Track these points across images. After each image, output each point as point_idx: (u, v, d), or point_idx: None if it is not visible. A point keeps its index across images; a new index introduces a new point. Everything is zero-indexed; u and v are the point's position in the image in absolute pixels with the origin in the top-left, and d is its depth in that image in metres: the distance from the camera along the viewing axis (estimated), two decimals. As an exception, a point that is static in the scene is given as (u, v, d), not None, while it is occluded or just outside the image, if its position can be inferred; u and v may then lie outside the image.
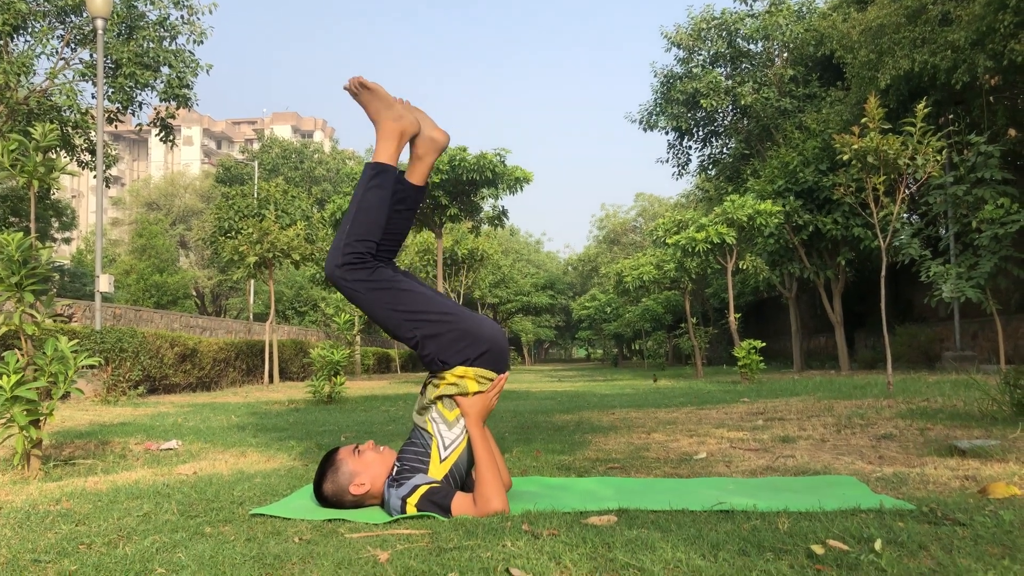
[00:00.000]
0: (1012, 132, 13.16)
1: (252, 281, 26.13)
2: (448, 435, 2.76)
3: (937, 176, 8.28)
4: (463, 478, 2.80)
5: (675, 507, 2.50)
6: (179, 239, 52.03)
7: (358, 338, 18.21)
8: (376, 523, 2.53)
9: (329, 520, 2.57)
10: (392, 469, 2.77)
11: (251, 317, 30.52)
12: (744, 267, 16.51)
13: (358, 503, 2.78)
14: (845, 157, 8.19)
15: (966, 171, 12.66)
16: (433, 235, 19.37)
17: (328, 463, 2.81)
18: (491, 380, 2.83)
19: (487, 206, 17.58)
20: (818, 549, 1.89)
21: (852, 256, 17.19)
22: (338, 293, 9.84)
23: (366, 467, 2.79)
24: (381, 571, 1.88)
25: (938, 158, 7.95)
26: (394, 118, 2.93)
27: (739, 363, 12.79)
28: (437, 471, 2.72)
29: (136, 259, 39.68)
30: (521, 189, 16.10)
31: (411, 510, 2.57)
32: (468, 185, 16.12)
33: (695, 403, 8.15)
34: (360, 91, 2.98)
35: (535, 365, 49.83)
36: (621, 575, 1.78)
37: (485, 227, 18.31)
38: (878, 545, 1.92)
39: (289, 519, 2.57)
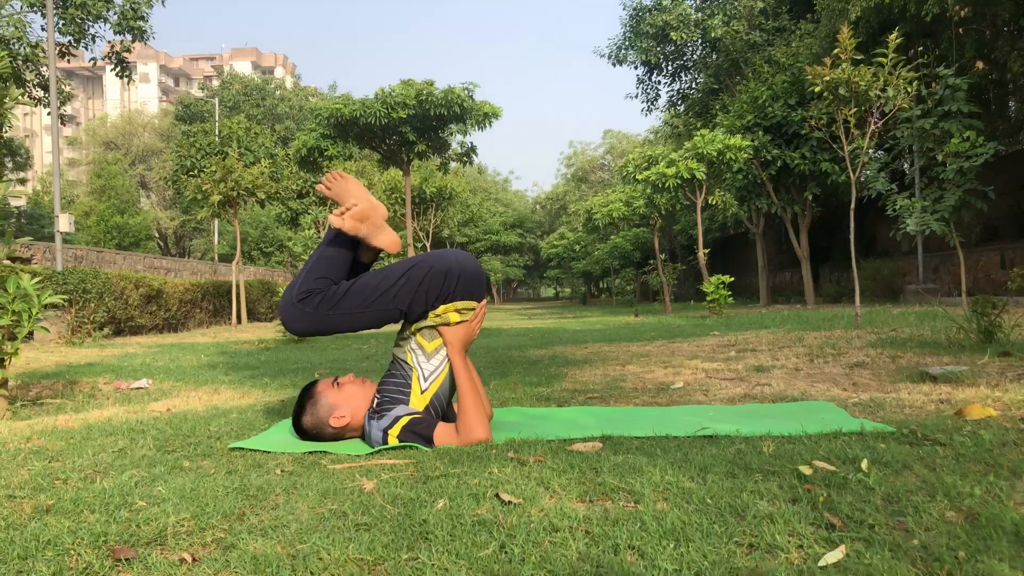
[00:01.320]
0: (980, 64, 13.18)
1: (216, 221, 25.67)
2: (427, 366, 2.72)
3: (907, 108, 8.26)
4: (444, 408, 2.78)
5: (659, 433, 2.50)
6: (139, 179, 50.83)
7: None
8: (358, 455, 2.50)
9: (310, 452, 2.53)
10: (372, 401, 2.74)
11: (216, 258, 30.10)
12: (713, 203, 16.53)
13: (338, 436, 2.75)
14: (816, 89, 8.14)
15: (933, 104, 12.69)
16: (400, 173, 19.09)
17: (307, 396, 2.77)
18: (472, 310, 2.79)
19: (455, 143, 17.34)
20: (806, 470, 1.90)
21: (819, 191, 17.29)
22: (307, 231, 9.68)
23: (346, 400, 2.75)
24: (368, 500, 1.86)
25: (909, 89, 7.94)
26: (361, 203, 2.83)
27: (708, 298, 12.89)
28: (418, 402, 2.70)
29: (95, 200, 38.77)
30: (490, 125, 15.84)
31: (393, 441, 2.55)
32: (436, 121, 15.83)
33: (666, 337, 8.22)
34: (335, 182, 2.93)
35: (504, 304, 49.98)
36: (611, 498, 1.77)
37: (454, 165, 18.07)
38: (864, 464, 1.93)
39: (269, 452, 2.54)
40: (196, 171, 16.33)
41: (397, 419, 2.58)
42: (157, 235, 43.54)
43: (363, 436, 2.76)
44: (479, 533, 1.54)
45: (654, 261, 18.66)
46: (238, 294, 16.62)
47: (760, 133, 16.74)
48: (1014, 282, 5.12)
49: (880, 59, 7.92)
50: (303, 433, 2.75)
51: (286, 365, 6.19)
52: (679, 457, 2.12)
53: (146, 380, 4.99)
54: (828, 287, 20.37)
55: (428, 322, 2.73)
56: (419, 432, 2.55)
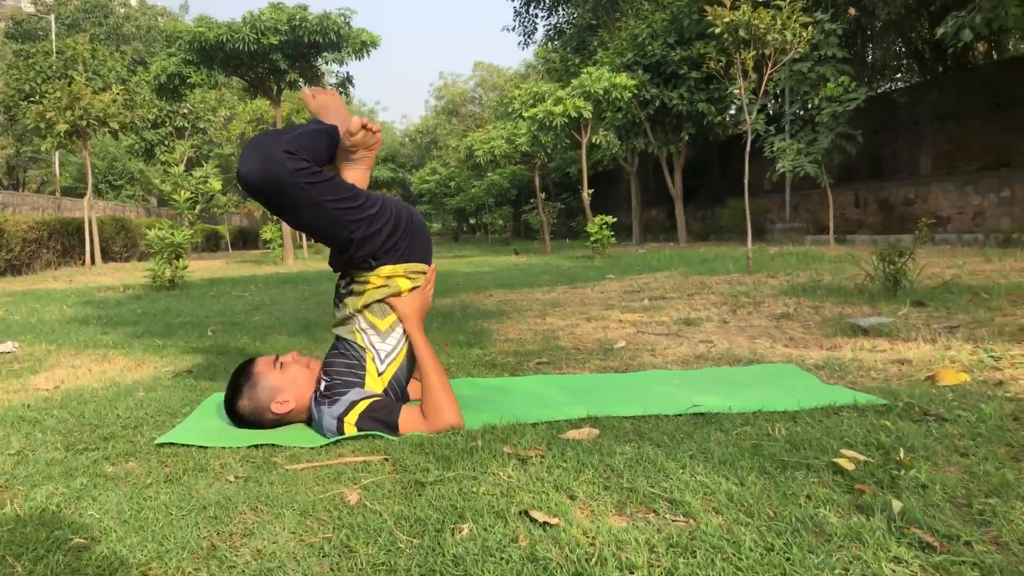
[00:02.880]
0: (852, 10, 13.58)
1: (58, 152, 23.45)
2: (383, 346, 2.40)
3: (804, 51, 8.33)
4: (403, 390, 2.48)
5: (648, 412, 2.30)
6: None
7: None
8: (311, 446, 2.17)
9: (256, 447, 2.18)
10: (319, 384, 2.40)
11: (58, 192, 27.66)
12: (597, 142, 16.50)
13: (279, 422, 2.41)
14: (717, 30, 8.06)
15: (809, 49, 13.01)
16: (268, 103, 17.93)
17: (244, 377, 2.39)
18: (422, 273, 2.48)
19: (329, 73, 16.37)
20: (844, 463, 1.75)
21: (694, 131, 17.58)
22: (173, 168, 8.86)
23: (290, 382, 2.39)
24: (365, 522, 1.56)
25: (804, 34, 7.99)
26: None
27: (592, 238, 12.91)
28: (375, 384, 2.38)
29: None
30: (368, 54, 15.02)
31: (350, 430, 2.23)
32: (309, 48, 14.84)
33: (565, 281, 8.11)
34: (317, 97, 2.61)
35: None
36: (654, 510, 1.56)
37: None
38: (902, 455, 1.79)
39: (206, 447, 2.17)
40: (36, 97, 14.68)
41: (353, 404, 2.26)
42: (-14, 165, 39.51)
43: (308, 422, 2.43)
44: None
45: (534, 200, 18.54)
46: (91, 232, 15.28)
47: (640, 71, 16.75)
48: (921, 231, 5.24)
49: (778, 2, 7.91)
50: (239, 419, 2.38)
51: (170, 319, 5.63)
52: (694, 448, 1.93)
53: (11, 343, 4.37)
54: (695, 225, 20.95)
55: (375, 294, 2.39)
56: (380, 419, 2.24)
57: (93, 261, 15.35)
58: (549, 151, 15.80)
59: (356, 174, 2.50)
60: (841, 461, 1.76)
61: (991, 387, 2.53)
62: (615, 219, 13.21)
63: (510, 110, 15.05)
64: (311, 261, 16.98)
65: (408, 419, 2.25)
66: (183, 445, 2.19)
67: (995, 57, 16.17)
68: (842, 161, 13.96)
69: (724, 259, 10.07)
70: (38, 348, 4.25)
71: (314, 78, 15.07)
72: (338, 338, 2.46)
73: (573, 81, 13.61)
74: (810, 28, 7.99)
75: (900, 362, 3.05)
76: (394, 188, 43.38)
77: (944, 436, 1.98)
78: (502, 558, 1.34)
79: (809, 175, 13.40)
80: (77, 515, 1.65)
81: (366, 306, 2.40)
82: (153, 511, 1.66)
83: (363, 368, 2.37)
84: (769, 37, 7.87)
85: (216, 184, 8.36)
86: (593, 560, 1.32)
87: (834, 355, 3.27)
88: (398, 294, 2.41)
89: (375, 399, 2.29)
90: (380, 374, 2.38)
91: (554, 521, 1.48)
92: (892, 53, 14.54)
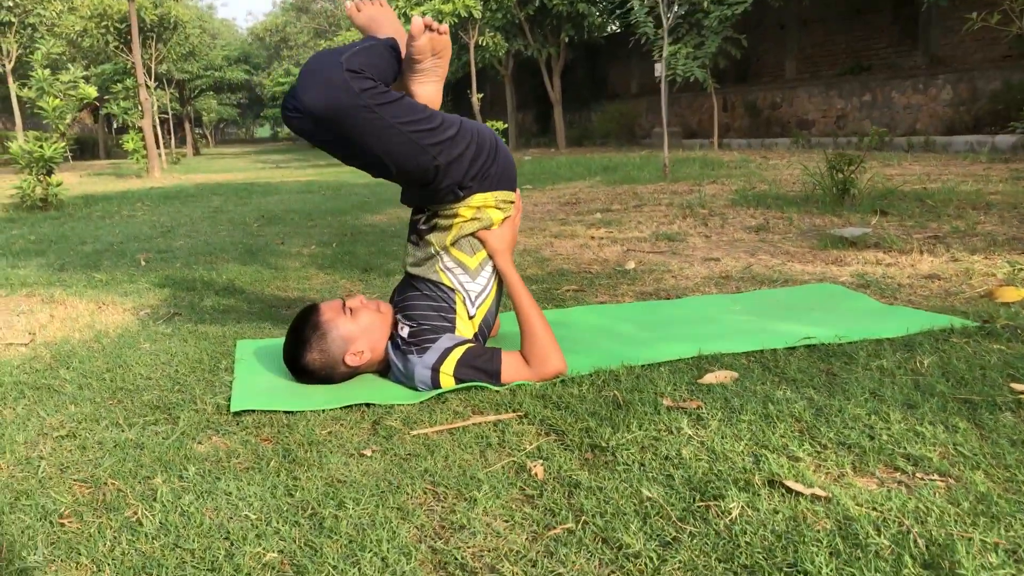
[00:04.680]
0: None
1: None
2: (473, 286, 2.13)
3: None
4: (487, 335, 2.23)
5: (763, 347, 2.17)
6: None
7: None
8: (410, 403, 1.91)
9: (346, 407, 1.90)
10: (398, 328, 2.11)
11: None
12: (483, 43, 15.91)
13: (350, 375, 2.12)
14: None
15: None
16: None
17: (310, 327, 2.06)
18: (511, 202, 2.20)
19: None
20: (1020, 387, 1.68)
21: (574, 33, 17.30)
22: (41, 73, 7.78)
23: (364, 331, 2.09)
24: (595, 501, 1.34)
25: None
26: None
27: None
28: (466, 329, 2.12)
29: None
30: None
31: (447, 382, 1.98)
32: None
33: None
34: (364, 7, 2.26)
35: (221, 148, 46.17)
36: (895, 466, 1.43)
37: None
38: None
39: (292, 413, 1.86)
40: None
41: (448, 351, 2.00)
42: None
43: (383, 372, 2.16)
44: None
45: (411, 104, 17.80)
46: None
47: (519, -32, 16.17)
48: (872, 139, 5.33)
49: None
50: (307, 375, 2.07)
51: (77, 246, 4.98)
52: (861, 390, 1.81)
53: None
54: (569, 131, 20.91)
55: (466, 227, 2.11)
56: (480, 367, 2.00)
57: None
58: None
59: (428, 90, 2.15)
60: (1016, 385, 1.70)
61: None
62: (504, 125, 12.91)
63: (392, 7, 14.19)
64: (177, 172, 15.73)
65: (510, 366, 2.02)
66: (266, 411, 1.87)
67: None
68: (725, 65, 14.15)
69: (628, 166, 10.06)
70: (-54, 290, 3.63)
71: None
72: (416, 278, 2.16)
73: (462, -22, 12.94)
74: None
75: (928, 277, 3.06)
76: (238, 91, 40.66)
77: (1078, 361, 1.96)
78: (815, 540, 1.17)
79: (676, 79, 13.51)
80: (238, 524, 1.34)
81: (454, 242, 2.11)
82: (321, 505, 1.37)
83: (453, 311, 2.10)
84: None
85: (91, 90, 7.37)
86: (911, 538, 1.17)
87: (849, 270, 3.26)
88: (490, 227, 2.13)
89: (470, 345, 2.03)
90: (471, 317, 2.12)
91: (823, 494, 1.33)
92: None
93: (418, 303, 2.12)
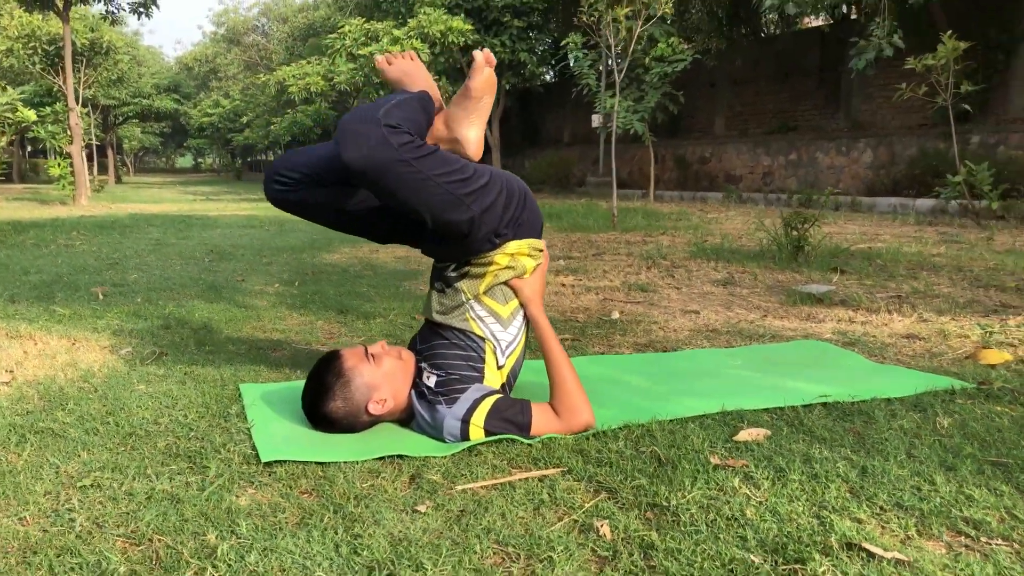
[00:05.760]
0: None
1: None
2: (504, 336, 2.11)
3: (669, 12, 8.48)
4: (513, 384, 2.20)
5: (785, 404, 2.21)
6: None
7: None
8: (442, 455, 1.86)
9: (381, 458, 1.84)
10: (423, 377, 2.06)
11: None
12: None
13: (371, 423, 2.06)
14: (591, -15, 7.99)
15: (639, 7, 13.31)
16: (40, 18, 15.54)
17: (333, 374, 1.99)
18: (541, 251, 2.21)
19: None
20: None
21: (516, 80, 17.58)
22: None
23: (387, 378, 2.03)
24: (673, 565, 1.33)
25: (672, -5, 8.13)
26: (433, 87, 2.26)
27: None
28: (495, 379, 2.09)
29: None
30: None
31: (477, 434, 1.94)
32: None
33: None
34: (397, 60, 2.29)
35: (143, 176, 44.87)
36: (958, 531, 1.46)
37: (125, 14, 15.03)
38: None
39: (324, 464, 1.79)
40: None
41: (477, 402, 1.96)
42: None
43: (404, 421, 2.10)
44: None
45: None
46: None
47: (462, 16, 16.39)
48: (826, 199, 5.55)
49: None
50: (329, 424, 2.00)
51: (20, 276, 4.73)
52: (890, 449, 1.85)
53: None
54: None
55: (502, 277, 2.09)
56: (510, 419, 1.97)
57: None
58: (382, 92, 15.08)
59: (475, 134, 2.15)
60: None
61: (1034, 365, 2.69)
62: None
63: (337, 46, 14.15)
64: (104, 201, 15.17)
65: (540, 419, 2.00)
66: (297, 462, 1.79)
67: (786, 29, 17.51)
68: (663, 119, 14.56)
69: (573, 213, 10.19)
70: None
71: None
72: (442, 326, 2.12)
73: (411, 21, 13.03)
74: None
75: (907, 337, 3.17)
76: (162, 120, 39.68)
77: (1082, 424, 2.05)
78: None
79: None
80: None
81: (487, 291, 2.09)
82: (395, 565, 1.31)
83: (482, 360, 2.07)
84: (641, -3, 7.92)
85: (30, 114, 7.04)
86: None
87: (827, 327, 3.36)
88: (523, 275, 2.12)
89: (499, 396, 2.00)
90: (500, 367, 2.10)
91: (901, 557, 1.35)
92: (713, 16, 15.27)
93: (446, 352, 2.08)
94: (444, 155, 1.98)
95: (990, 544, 1.41)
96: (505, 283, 2.12)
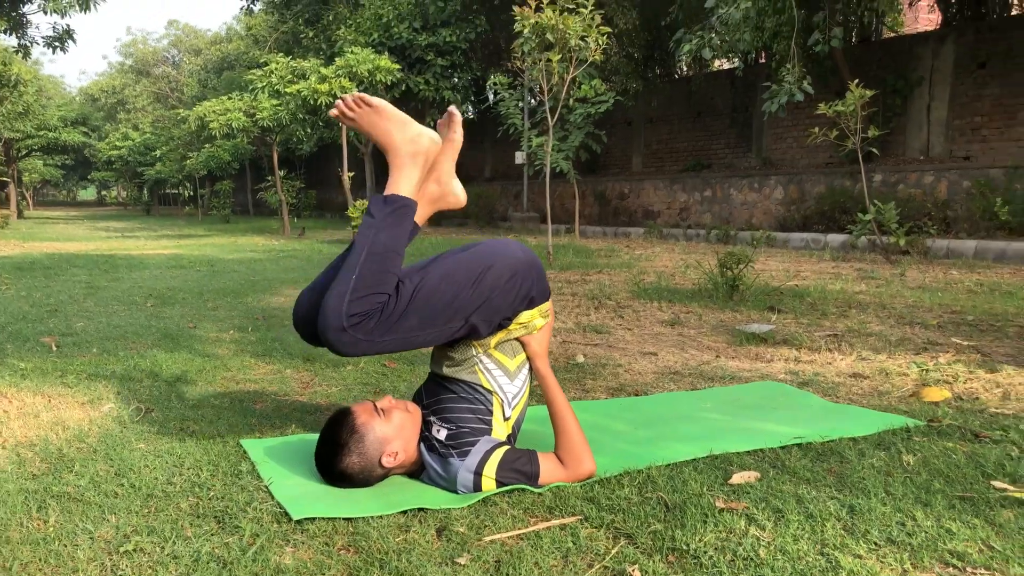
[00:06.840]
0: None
1: None
2: (511, 388, 2.22)
3: (599, 59, 8.80)
4: (516, 435, 2.31)
5: (765, 446, 2.38)
6: None
7: None
8: (459, 507, 1.96)
9: (403, 512, 1.92)
10: (432, 430, 2.16)
11: None
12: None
13: (384, 477, 2.14)
14: (525, 31, 8.25)
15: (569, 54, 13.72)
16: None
17: (346, 430, 2.07)
18: (548, 308, 2.35)
19: (44, 22, 14.02)
20: (1016, 492, 1.97)
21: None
22: None
23: (397, 431, 2.12)
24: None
25: (601, 41, 8.46)
26: (411, 140, 2.26)
27: (352, 223, 12.58)
28: (501, 431, 2.20)
29: None
30: (95, 7, 13.12)
31: (489, 485, 2.04)
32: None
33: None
34: (359, 110, 2.27)
35: (43, 211, 43.05)
36: (949, 564, 1.64)
37: (40, 47, 14.57)
38: (1047, 483, 2.06)
39: (350, 520, 1.86)
40: None
41: (488, 454, 2.07)
42: None
43: (416, 474, 2.18)
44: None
45: (271, 177, 17.55)
46: None
47: (386, 54, 16.52)
48: (759, 240, 5.88)
49: (581, 8, 8.28)
50: (345, 479, 2.07)
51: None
52: (869, 487, 2.04)
53: None
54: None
55: (513, 333, 2.22)
56: (520, 469, 2.08)
57: None
58: (309, 130, 15.01)
59: (457, 181, 2.35)
60: (1015, 493, 1.98)
61: (972, 402, 2.95)
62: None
63: (261, 84, 14.05)
64: (14, 239, 14.57)
65: (547, 468, 2.12)
66: (325, 519, 1.85)
67: (699, 71, 18.27)
68: (586, 158, 14.96)
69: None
70: None
71: (21, 26, 12.86)
72: (450, 379, 2.22)
73: (338, 60, 13.07)
74: (606, 36, 8.47)
75: (853, 376, 3.42)
76: (67, 153, 38.29)
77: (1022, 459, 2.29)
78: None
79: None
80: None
81: (498, 345, 2.21)
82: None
83: (490, 413, 2.18)
84: (572, 42, 8.22)
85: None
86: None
87: (776, 367, 3.60)
88: (532, 332, 2.25)
89: (507, 448, 2.11)
90: (506, 419, 2.21)
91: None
92: (630, 58, 15.82)
93: (455, 405, 2.18)
94: (420, 302, 2.11)
95: (975, 574, 1.60)
96: (516, 339, 2.25)
